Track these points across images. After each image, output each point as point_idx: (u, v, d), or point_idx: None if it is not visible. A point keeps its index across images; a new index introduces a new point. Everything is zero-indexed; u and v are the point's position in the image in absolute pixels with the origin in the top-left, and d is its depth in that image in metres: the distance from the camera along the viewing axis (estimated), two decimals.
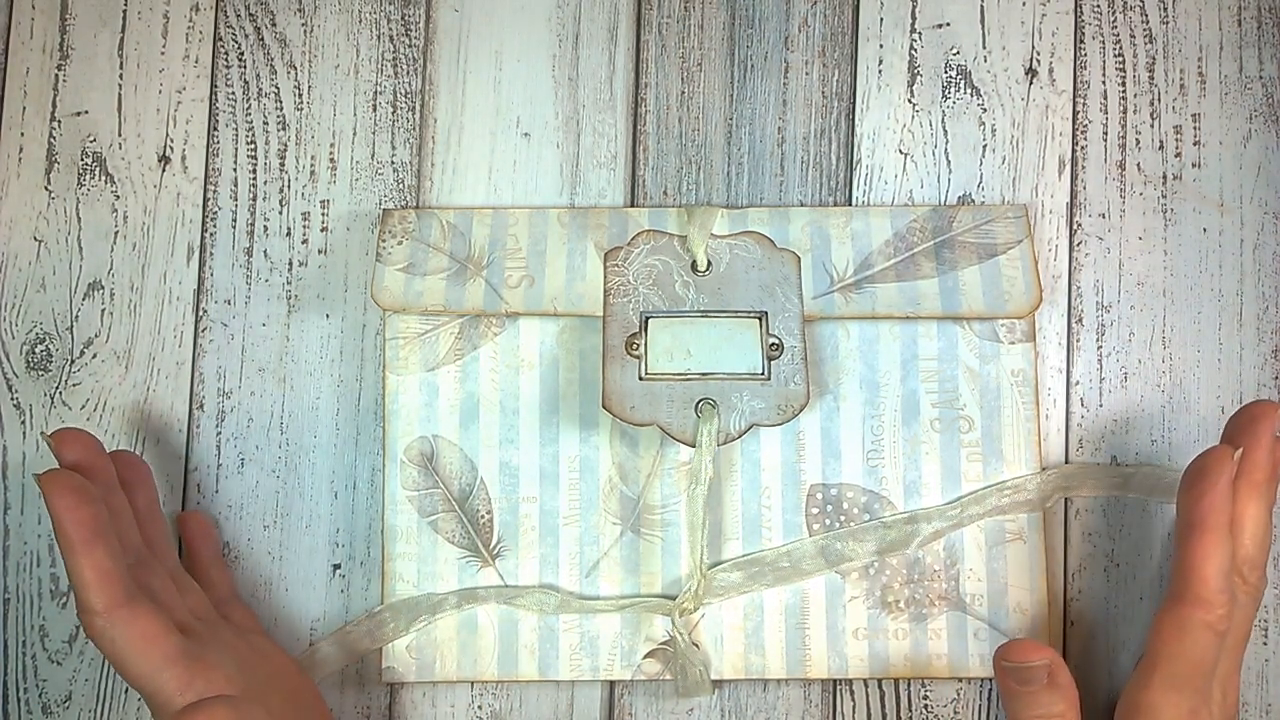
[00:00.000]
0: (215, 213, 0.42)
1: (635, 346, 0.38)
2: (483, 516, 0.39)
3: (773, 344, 0.38)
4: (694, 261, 0.39)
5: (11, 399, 0.41)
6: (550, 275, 0.40)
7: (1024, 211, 0.40)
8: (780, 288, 0.39)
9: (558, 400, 0.40)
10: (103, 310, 0.41)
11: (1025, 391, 0.39)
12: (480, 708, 0.40)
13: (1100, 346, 0.41)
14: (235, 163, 0.42)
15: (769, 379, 0.38)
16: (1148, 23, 0.42)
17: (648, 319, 0.38)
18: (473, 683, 0.39)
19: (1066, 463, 0.40)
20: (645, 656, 0.39)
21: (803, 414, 0.38)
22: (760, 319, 0.38)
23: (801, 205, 0.41)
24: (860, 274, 0.40)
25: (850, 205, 0.41)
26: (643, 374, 0.38)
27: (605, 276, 0.39)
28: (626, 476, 0.39)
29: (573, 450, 0.39)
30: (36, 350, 0.41)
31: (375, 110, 0.42)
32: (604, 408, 0.37)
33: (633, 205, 0.42)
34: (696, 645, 0.39)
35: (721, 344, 0.38)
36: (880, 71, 0.42)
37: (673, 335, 0.38)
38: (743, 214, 0.40)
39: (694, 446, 0.37)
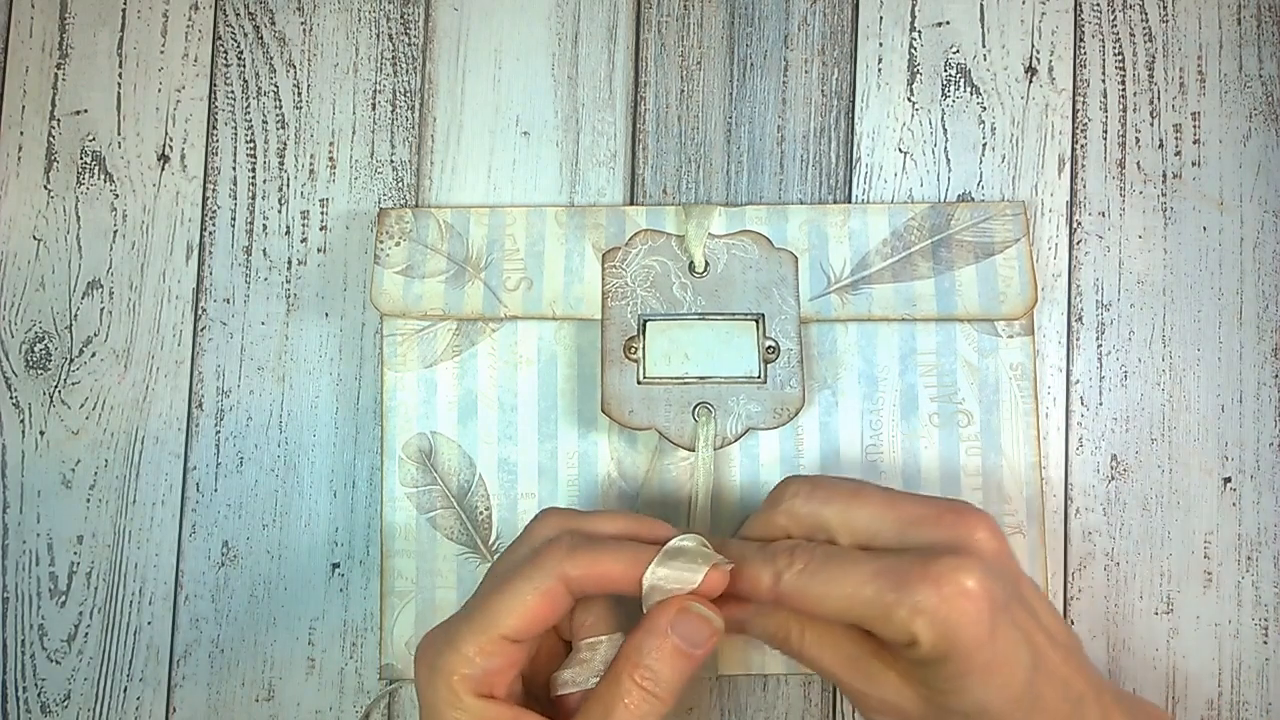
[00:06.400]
0: (214, 211, 0.42)
1: (633, 350, 0.38)
2: (481, 513, 0.39)
3: (769, 347, 0.38)
4: (691, 262, 0.39)
5: (11, 398, 0.41)
6: (548, 277, 0.40)
7: (1022, 208, 0.40)
8: (777, 289, 0.39)
9: (556, 396, 0.40)
10: (102, 309, 0.41)
11: (1024, 385, 0.39)
12: None
13: (1100, 345, 0.41)
14: (234, 161, 0.42)
15: (765, 382, 0.38)
16: (1147, 21, 0.42)
17: (646, 322, 0.38)
18: None
19: (1066, 460, 0.40)
20: None
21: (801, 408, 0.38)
22: (757, 321, 0.38)
23: (800, 203, 0.41)
24: (857, 274, 0.39)
25: (849, 204, 0.41)
26: (641, 378, 0.38)
27: (603, 278, 0.39)
28: (625, 473, 0.39)
29: (571, 446, 0.39)
30: (36, 349, 0.41)
31: (374, 109, 0.42)
32: (603, 412, 0.38)
33: (631, 205, 0.42)
34: None
35: (719, 347, 0.38)
36: (880, 70, 0.42)
37: (670, 339, 0.38)
38: (740, 212, 0.40)
39: (691, 451, 0.37)
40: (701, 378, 0.38)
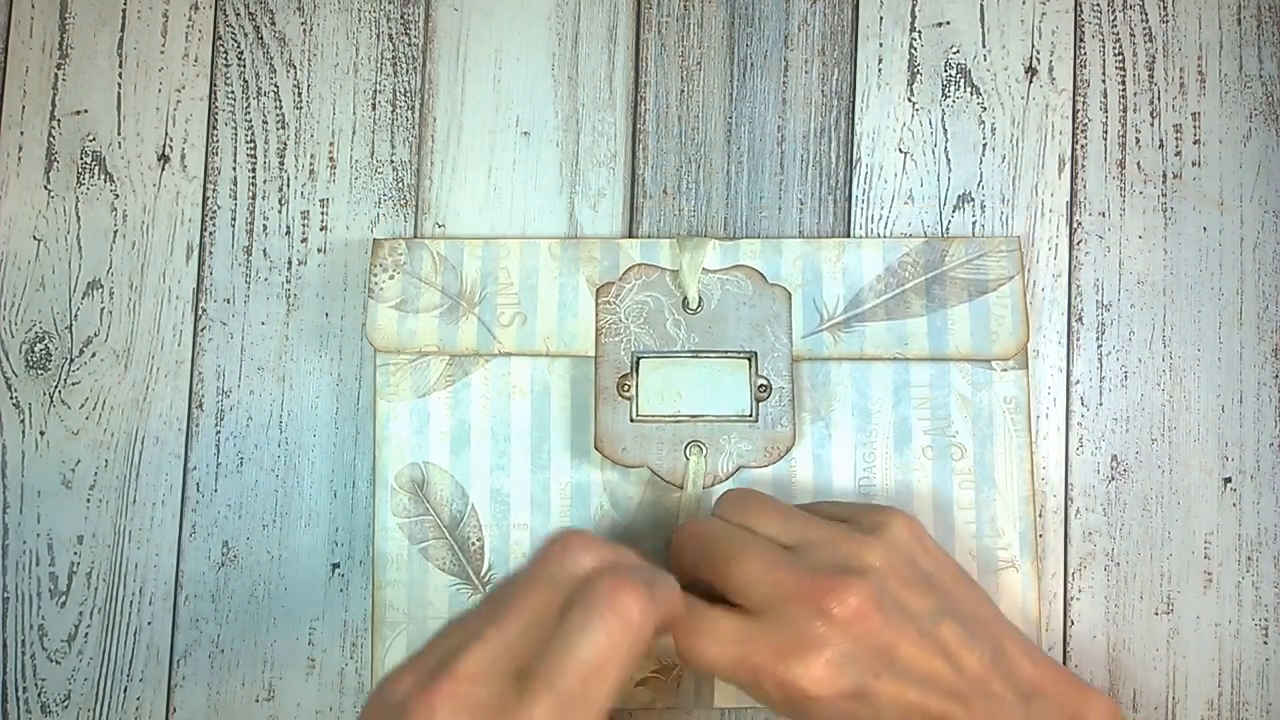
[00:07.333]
0: (214, 211, 0.42)
1: (627, 388, 0.38)
2: (473, 543, 0.39)
3: (761, 385, 0.38)
4: (685, 299, 0.39)
5: (11, 398, 0.41)
6: (542, 312, 0.39)
7: (1017, 244, 0.40)
8: (770, 326, 0.39)
9: (549, 427, 0.39)
10: (102, 309, 0.41)
11: (1018, 419, 0.39)
12: None
13: (1100, 345, 0.41)
14: (235, 161, 0.42)
15: (756, 421, 0.38)
16: (1147, 21, 0.42)
17: (639, 359, 0.38)
18: None
19: (1066, 460, 0.40)
20: (637, 684, 0.38)
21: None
22: (750, 359, 0.38)
23: (799, 235, 0.41)
24: (850, 311, 0.39)
25: (849, 204, 0.41)
26: (634, 415, 0.38)
27: (597, 314, 0.39)
28: (618, 503, 0.39)
29: (564, 477, 0.39)
30: (36, 349, 0.41)
31: (375, 109, 0.42)
32: (596, 449, 0.38)
33: (631, 204, 0.42)
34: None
35: (711, 385, 0.38)
36: (880, 70, 0.42)
37: (664, 376, 0.38)
38: (735, 246, 0.40)
39: (682, 489, 0.37)
40: (693, 416, 0.38)
